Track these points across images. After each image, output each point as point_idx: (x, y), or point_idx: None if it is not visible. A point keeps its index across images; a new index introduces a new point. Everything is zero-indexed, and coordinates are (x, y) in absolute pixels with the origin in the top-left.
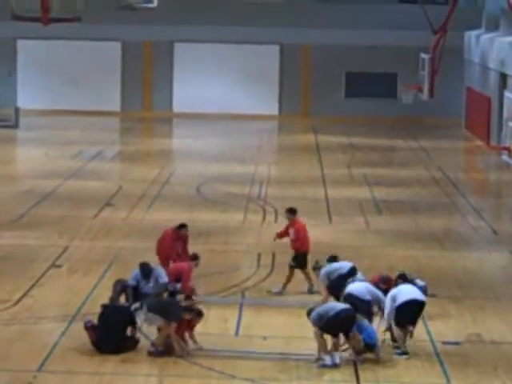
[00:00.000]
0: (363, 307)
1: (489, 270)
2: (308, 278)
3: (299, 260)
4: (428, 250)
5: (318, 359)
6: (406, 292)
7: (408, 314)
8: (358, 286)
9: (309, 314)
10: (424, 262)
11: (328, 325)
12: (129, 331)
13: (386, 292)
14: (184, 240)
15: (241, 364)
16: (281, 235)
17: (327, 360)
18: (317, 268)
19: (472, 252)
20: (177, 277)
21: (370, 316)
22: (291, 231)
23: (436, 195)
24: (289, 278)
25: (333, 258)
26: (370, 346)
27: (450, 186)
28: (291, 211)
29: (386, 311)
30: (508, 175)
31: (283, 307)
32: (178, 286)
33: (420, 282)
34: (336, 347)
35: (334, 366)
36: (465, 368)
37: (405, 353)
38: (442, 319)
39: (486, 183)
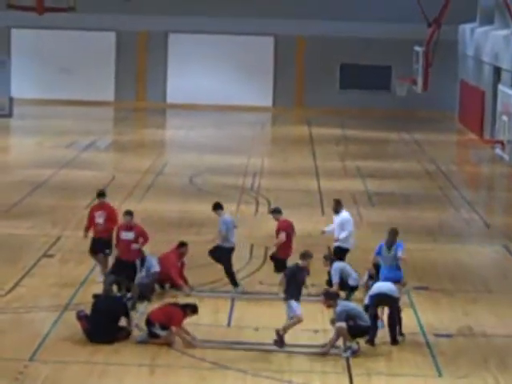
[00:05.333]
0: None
1: (481, 263)
2: None
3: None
4: (420, 243)
5: (347, 349)
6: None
7: None
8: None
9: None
10: (416, 255)
11: (356, 330)
12: (123, 322)
13: None
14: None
15: (233, 355)
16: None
17: (353, 346)
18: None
19: (464, 245)
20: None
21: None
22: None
23: (429, 188)
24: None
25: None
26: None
27: (443, 179)
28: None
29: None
30: (501, 168)
31: (274, 298)
32: None
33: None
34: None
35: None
36: (456, 360)
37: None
38: (434, 312)
39: (479, 176)
